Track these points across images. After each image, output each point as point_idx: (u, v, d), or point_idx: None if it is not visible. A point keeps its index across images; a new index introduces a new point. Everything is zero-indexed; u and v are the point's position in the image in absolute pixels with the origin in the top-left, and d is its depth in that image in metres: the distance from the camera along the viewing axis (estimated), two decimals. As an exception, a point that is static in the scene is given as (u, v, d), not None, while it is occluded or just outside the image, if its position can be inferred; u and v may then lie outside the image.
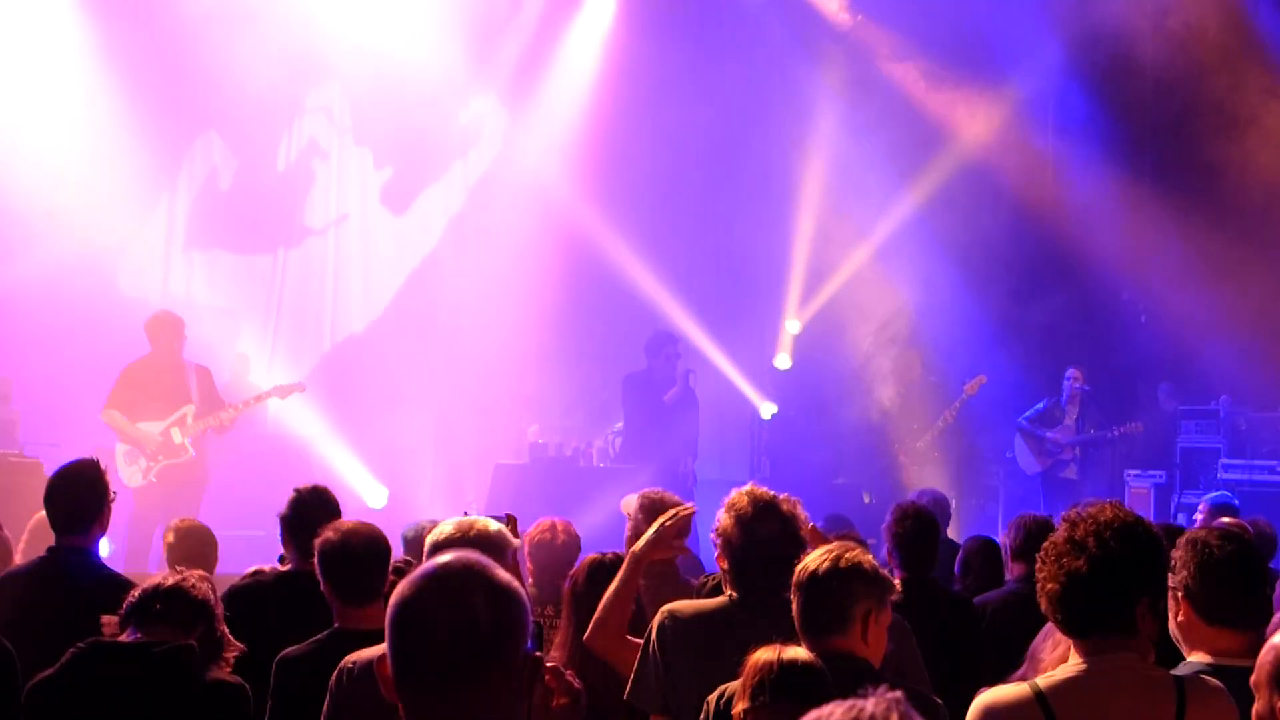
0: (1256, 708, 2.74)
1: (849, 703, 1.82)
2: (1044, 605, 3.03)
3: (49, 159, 11.52)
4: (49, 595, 4.73)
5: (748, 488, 4.16)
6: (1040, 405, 12.43)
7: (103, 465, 5.07)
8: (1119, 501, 3.23)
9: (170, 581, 3.89)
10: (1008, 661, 4.18)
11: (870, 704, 1.81)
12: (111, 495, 5.00)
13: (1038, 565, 3.04)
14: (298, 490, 5.15)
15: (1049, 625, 3.52)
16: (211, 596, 3.96)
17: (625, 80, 13.81)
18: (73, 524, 4.90)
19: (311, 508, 5.05)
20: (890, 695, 1.83)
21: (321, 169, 13.49)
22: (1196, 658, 3.36)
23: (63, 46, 11.50)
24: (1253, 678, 2.83)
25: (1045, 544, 3.03)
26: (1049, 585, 2.99)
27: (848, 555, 3.58)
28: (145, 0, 11.80)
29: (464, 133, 13.93)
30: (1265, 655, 2.85)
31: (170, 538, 5.80)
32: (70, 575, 4.79)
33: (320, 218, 13.47)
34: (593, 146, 13.62)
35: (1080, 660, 2.96)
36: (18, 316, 11.48)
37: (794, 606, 3.61)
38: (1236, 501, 8.73)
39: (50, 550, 4.93)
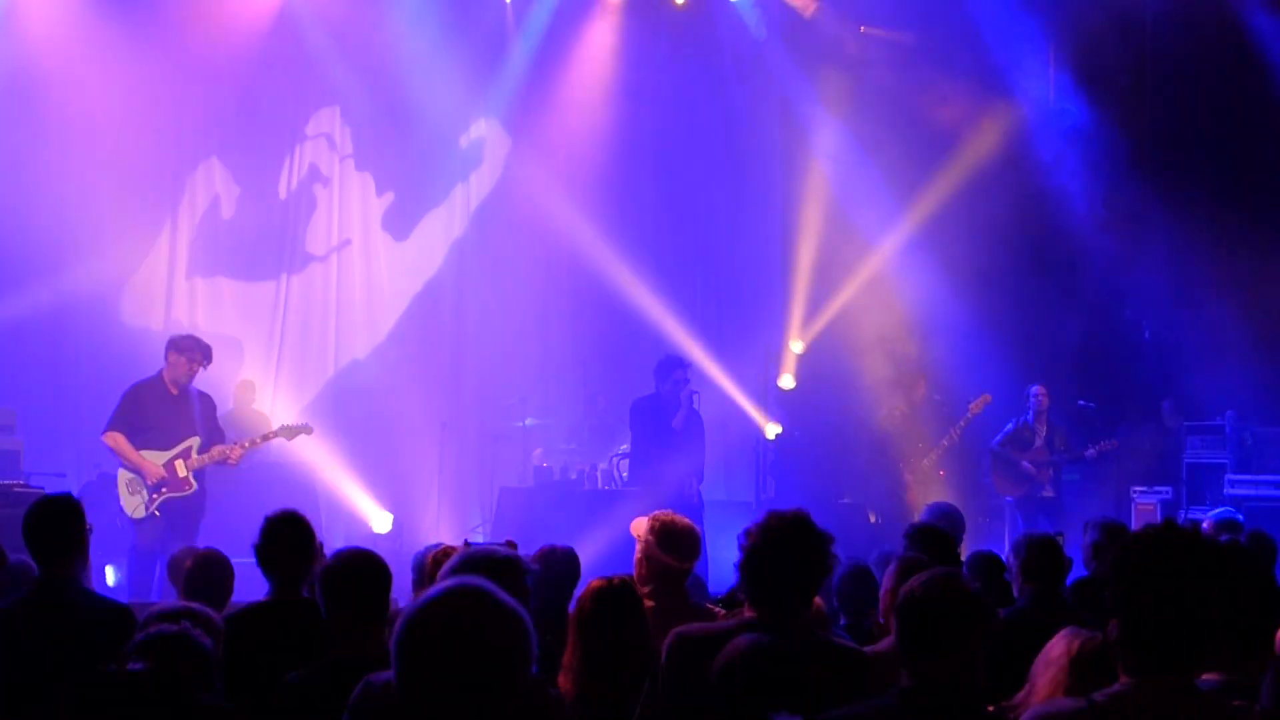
0: None
1: None
2: (1126, 633, 2.85)
3: (51, 189, 11.56)
4: (51, 626, 4.68)
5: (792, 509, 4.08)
6: (1009, 426, 12.21)
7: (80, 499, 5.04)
8: (1197, 525, 3.16)
9: (170, 632, 3.74)
10: (1012, 683, 4.13)
11: None
12: (89, 526, 4.98)
13: (1121, 591, 2.84)
14: (269, 518, 5.02)
15: (1047, 647, 3.46)
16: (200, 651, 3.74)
17: (626, 103, 13.85)
18: (60, 555, 4.86)
19: (286, 534, 5.00)
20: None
21: (323, 195, 13.49)
22: (1208, 675, 3.34)
23: (64, 77, 11.53)
24: None
25: (1130, 571, 2.83)
26: (1144, 619, 2.82)
27: (957, 582, 3.43)
28: (147, 29, 11.82)
29: (465, 157, 13.95)
30: None
31: (188, 564, 5.74)
32: (73, 604, 4.74)
33: (322, 244, 13.46)
34: (594, 169, 13.65)
35: (1135, 679, 2.86)
36: (21, 347, 11.50)
37: (897, 631, 3.43)
38: (1242, 518, 8.69)
39: (38, 582, 4.89)
